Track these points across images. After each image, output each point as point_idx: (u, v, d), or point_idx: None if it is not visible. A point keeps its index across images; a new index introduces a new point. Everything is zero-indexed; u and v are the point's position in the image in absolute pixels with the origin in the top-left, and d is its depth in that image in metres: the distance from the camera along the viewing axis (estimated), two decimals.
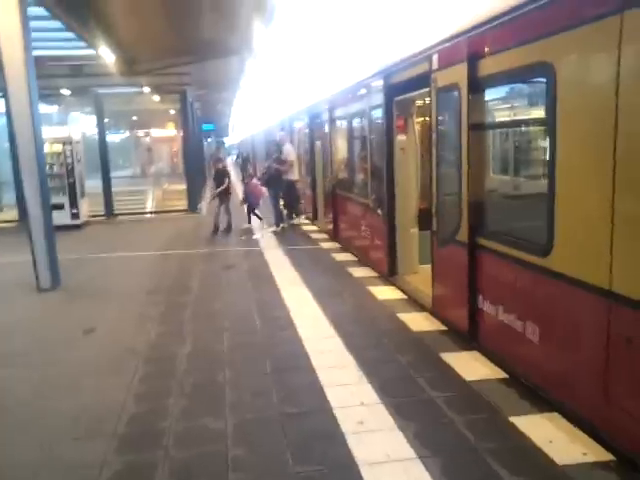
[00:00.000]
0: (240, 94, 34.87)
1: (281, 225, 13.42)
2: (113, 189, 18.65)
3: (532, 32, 4.25)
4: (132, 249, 11.54)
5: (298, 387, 4.57)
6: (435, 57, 6.00)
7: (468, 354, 5.17)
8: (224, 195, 13.11)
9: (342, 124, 11.06)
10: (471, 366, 4.87)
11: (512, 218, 5.13)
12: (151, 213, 16.86)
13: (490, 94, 5.23)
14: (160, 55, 17.37)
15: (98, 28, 13.00)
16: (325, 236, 12.22)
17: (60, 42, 14.91)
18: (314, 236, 12.31)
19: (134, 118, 39.10)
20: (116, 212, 16.77)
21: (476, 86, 5.18)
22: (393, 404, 4.18)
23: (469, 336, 5.46)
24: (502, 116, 5.38)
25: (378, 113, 8.44)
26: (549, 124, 4.10)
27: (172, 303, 7.28)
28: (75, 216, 14.82)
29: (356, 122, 10.10)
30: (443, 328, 5.90)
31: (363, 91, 9.14)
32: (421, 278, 7.69)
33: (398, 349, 5.29)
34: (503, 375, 4.66)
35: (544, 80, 4.20)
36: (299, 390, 4.51)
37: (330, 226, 12.20)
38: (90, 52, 15.14)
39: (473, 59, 5.16)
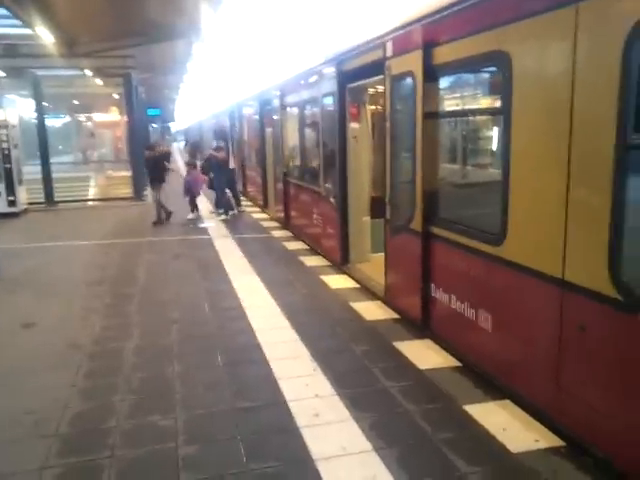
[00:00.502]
0: (188, 78, 34.06)
1: (230, 213, 13.19)
2: (54, 175, 17.86)
3: (488, 20, 4.23)
4: (74, 238, 11.07)
5: (251, 380, 4.45)
6: (389, 44, 5.93)
7: (421, 342, 5.18)
8: (157, 183, 12.60)
9: (294, 111, 10.89)
10: (425, 355, 4.88)
11: (466, 207, 5.15)
12: (94, 200, 16.22)
13: (445, 83, 5.21)
14: (102, 37, 16.67)
15: (34, 6, 12.31)
16: (276, 224, 12.08)
17: None
18: (265, 224, 12.15)
19: (75, 102, 37.63)
20: (57, 199, 16.03)
21: (431, 74, 5.14)
22: (348, 395, 4.13)
23: (422, 324, 5.47)
24: (457, 105, 5.37)
25: (330, 100, 8.34)
26: (504, 113, 4.10)
27: (117, 295, 7.00)
28: (12, 204, 14.08)
29: (308, 109, 9.96)
30: (396, 317, 5.90)
31: (315, 78, 9.01)
32: (373, 267, 7.68)
33: (352, 339, 5.25)
34: (456, 363, 4.69)
35: (500, 69, 4.20)
36: (252, 383, 4.39)
37: (281, 214, 12.06)
38: (27, 31, 14.37)
39: (428, 46, 5.12)
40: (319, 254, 8.95)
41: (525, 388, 4.02)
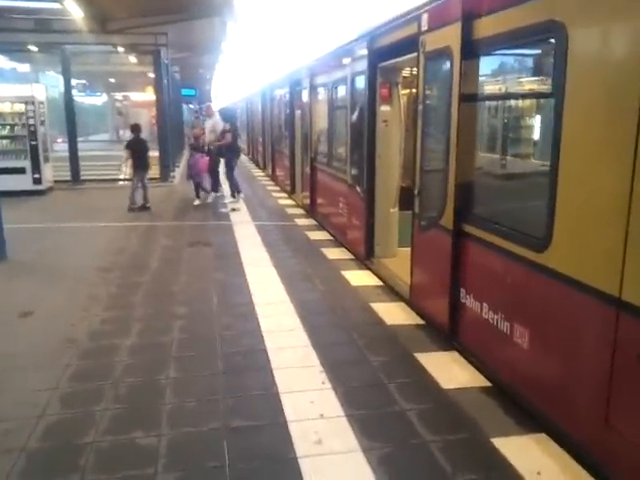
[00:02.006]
0: (223, 58, 33.68)
1: (237, 196, 12.72)
2: (85, 153, 17.69)
3: None
4: (95, 219, 10.75)
5: (251, 393, 3.95)
6: (425, 17, 5.28)
7: (446, 355, 4.59)
8: (142, 167, 11.91)
9: (322, 92, 10.29)
10: (449, 370, 4.30)
11: (505, 204, 4.50)
12: (120, 180, 15.94)
13: (486, 60, 4.55)
14: (134, 13, 16.36)
15: None
16: (301, 212, 11.55)
17: None
18: (290, 211, 11.63)
19: (112, 80, 37.72)
20: (83, 178, 15.83)
21: (470, 50, 4.48)
22: (358, 418, 3.59)
23: (448, 333, 4.88)
24: (500, 86, 4.71)
25: (361, 81, 7.72)
26: (556, 96, 3.44)
27: (125, 283, 6.59)
28: (37, 181, 13.89)
29: (337, 91, 9.34)
30: (420, 322, 5.31)
31: (344, 56, 8.37)
32: (399, 263, 7.08)
33: (369, 347, 4.69)
34: (485, 383, 4.09)
35: (552, 43, 3.54)
36: (251, 397, 3.89)
37: (307, 201, 11.52)
38: (57, 6, 14.13)
39: (468, 19, 4.45)
40: (343, 246, 8.39)
41: (565, 421, 3.41)
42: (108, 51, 18.89)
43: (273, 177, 17.46)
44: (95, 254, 8.08)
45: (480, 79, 4.59)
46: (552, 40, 3.56)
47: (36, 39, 16.35)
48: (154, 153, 16.60)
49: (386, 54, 6.85)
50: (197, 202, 12.34)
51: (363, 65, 7.43)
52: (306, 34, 12.30)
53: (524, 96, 4.45)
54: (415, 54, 5.67)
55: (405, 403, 3.78)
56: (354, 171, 8.10)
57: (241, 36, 24.90)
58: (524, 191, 4.41)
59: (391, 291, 6.25)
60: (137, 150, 11.83)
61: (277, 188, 15.42)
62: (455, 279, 4.80)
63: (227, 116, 13.41)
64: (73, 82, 30.12)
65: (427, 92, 5.38)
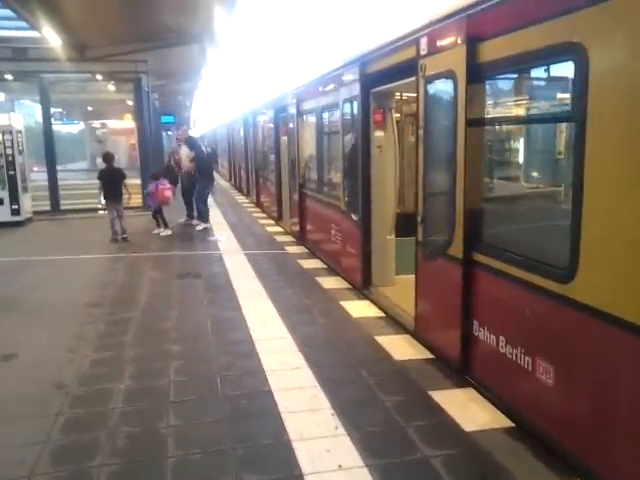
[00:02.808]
0: (202, 85, 33.60)
1: (203, 225, 12.57)
2: (64, 182, 17.30)
3: (553, 6, 3.45)
4: (77, 251, 10.38)
5: (261, 442, 3.65)
6: (424, 41, 5.15)
7: (462, 392, 4.35)
8: (116, 197, 11.45)
9: (311, 118, 10.15)
10: (468, 410, 4.06)
11: (521, 232, 4.32)
12: (100, 210, 15.55)
13: (494, 83, 4.43)
14: (113, 41, 16.17)
15: (40, 8, 11.74)
16: (291, 239, 11.31)
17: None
18: (279, 239, 11.38)
19: (89, 108, 37.34)
20: (63, 208, 15.42)
21: (477, 74, 4.35)
22: (379, 468, 3.32)
23: (461, 367, 4.65)
24: (510, 110, 4.58)
25: (353, 106, 7.58)
26: (577, 120, 3.29)
27: (114, 320, 6.25)
28: (15, 212, 13.49)
29: (327, 116, 9.21)
30: (429, 356, 5.08)
31: (335, 82, 8.25)
32: (399, 291, 6.88)
33: (380, 385, 4.44)
34: (508, 423, 3.86)
35: (571, 65, 3.40)
36: (262, 447, 3.59)
37: (296, 228, 11.30)
38: (34, 34, 13.87)
39: (473, 41, 4.33)
40: (338, 274, 8.16)
41: (602, 466, 3.19)
42: (87, 79, 18.61)
43: (258, 203, 17.23)
44: (80, 288, 7.72)
45: (487, 103, 4.47)
46: (570, 62, 3.43)
47: (13, 67, 16.05)
48: (135, 181, 16.34)
49: (380, 79, 6.73)
50: (157, 231, 12.03)
51: (355, 90, 7.30)
52: (292, 59, 12.22)
53: (540, 120, 4.31)
54: (412, 78, 5.55)
55: (427, 449, 3.52)
56: (348, 197, 7.92)
57: (222, 62, 24.87)
58: (543, 218, 4.25)
59: (394, 322, 6.02)
60: (110, 180, 11.42)
61: (263, 215, 15.19)
62: (466, 311, 4.59)
63: (190, 144, 13.22)
64: (51, 110, 29.75)
65: (428, 116, 5.23)
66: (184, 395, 4.35)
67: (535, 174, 4.66)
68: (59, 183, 15.83)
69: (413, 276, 5.64)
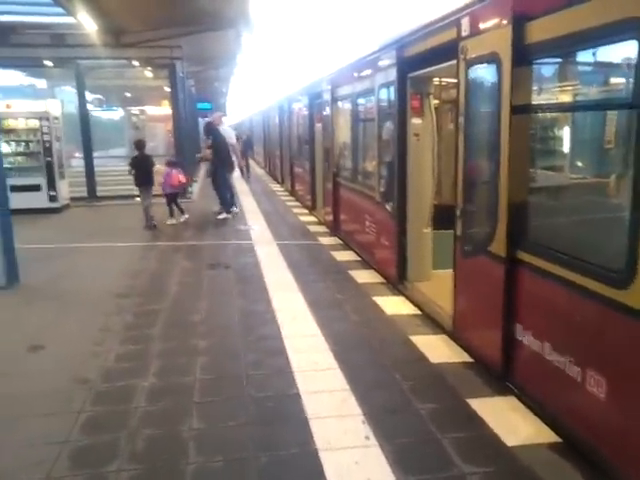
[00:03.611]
0: (238, 72, 33.49)
1: (224, 214, 12.26)
2: (102, 169, 17.44)
3: None
4: (112, 238, 10.39)
5: (286, 450, 3.44)
6: (466, 21, 4.79)
7: (503, 401, 4.05)
8: (145, 185, 11.50)
9: (346, 105, 9.84)
10: (509, 421, 3.76)
11: (571, 230, 3.97)
12: (138, 197, 15.58)
13: (542, 67, 4.07)
14: (148, 27, 16.04)
15: None
16: (324, 229, 11.07)
17: (36, 7, 13.62)
18: (312, 229, 11.15)
19: (127, 94, 37.67)
20: (100, 195, 15.52)
21: (523, 56, 3.99)
22: None
23: (502, 373, 4.34)
24: (559, 96, 4.21)
25: (389, 92, 7.25)
26: (637, 104, 2.94)
27: (142, 311, 6.15)
28: (53, 199, 13.62)
29: (362, 103, 8.89)
30: (468, 359, 4.78)
31: (371, 66, 7.92)
32: (436, 287, 6.57)
33: (414, 391, 4.17)
34: (554, 438, 3.55)
35: (633, 45, 3.03)
36: (287, 456, 3.38)
37: (330, 217, 11.04)
38: (71, 20, 13.87)
39: (519, 21, 3.96)
40: (372, 268, 7.89)
41: None
42: (122, 65, 18.65)
43: (292, 192, 17.03)
44: (111, 277, 7.67)
45: (534, 88, 4.11)
46: (632, 40, 3.06)
47: (51, 54, 16.13)
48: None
49: (418, 63, 6.38)
50: (171, 221, 11.83)
51: (392, 75, 6.97)
52: (327, 44, 11.90)
53: (592, 107, 3.92)
54: (452, 62, 5.21)
55: (465, 465, 3.26)
56: (383, 188, 7.63)
57: (257, 48, 24.67)
58: (595, 215, 3.89)
59: (430, 320, 5.73)
60: (142, 167, 11.43)
61: (297, 204, 14.98)
62: (509, 313, 4.27)
63: (206, 131, 13.00)
64: (89, 97, 30.09)
65: (470, 102, 4.88)
66: (209, 395, 4.19)
67: (587, 165, 4.27)
68: (98, 169, 15.94)
69: (451, 271, 5.35)
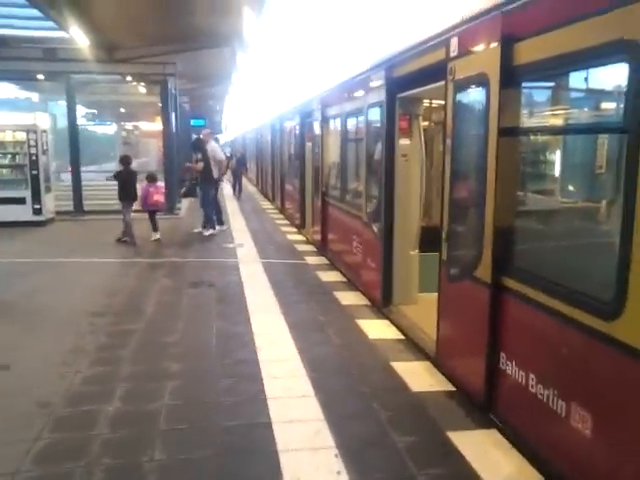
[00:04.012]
0: (233, 90, 33.59)
1: (210, 231, 12.15)
2: (91, 183, 17.30)
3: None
4: (94, 253, 10.19)
5: None
6: (455, 41, 4.69)
7: (485, 435, 3.86)
8: (128, 200, 11.28)
9: (335, 124, 9.75)
10: (491, 457, 3.56)
11: (559, 256, 3.82)
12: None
13: (531, 89, 3.96)
14: (142, 42, 16.05)
15: (67, 7, 11.64)
16: (312, 248, 10.90)
17: (29, 21, 13.56)
18: (300, 248, 10.98)
19: (122, 110, 37.66)
20: (86, 209, 15.31)
21: (512, 77, 3.88)
22: None
23: (484, 403, 4.16)
24: (548, 119, 4.09)
25: (378, 112, 7.15)
26: (629, 129, 2.81)
27: (116, 331, 5.92)
28: (37, 212, 13.40)
29: (351, 122, 8.79)
30: (450, 387, 4.58)
31: (360, 86, 7.83)
32: (421, 311, 6.40)
33: (393, 422, 3.97)
34: (536, 476, 3.36)
35: (624, 68, 2.92)
36: None
37: (317, 237, 10.88)
38: (63, 34, 13.84)
39: (509, 41, 3.86)
40: (357, 289, 7.71)
41: None
42: (114, 80, 18.61)
43: (282, 210, 16.90)
44: (88, 294, 7.44)
45: (524, 110, 3.99)
46: (622, 62, 2.94)
47: (43, 68, 16.08)
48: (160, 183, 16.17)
49: (406, 83, 6.29)
50: (153, 237, 11.61)
51: (380, 95, 6.88)
52: (318, 63, 11.87)
53: (582, 130, 3.80)
54: (441, 83, 5.11)
55: None
56: (370, 208, 7.49)
57: (251, 67, 24.72)
58: (586, 241, 3.74)
59: (413, 346, 5.54)
60: (126, 182, 11.29)
61: (286, 222, 14.82)
62: (493, 341, 4.10)
63: (194, 146, 12.87)
64: (83, 111, 29.96)
65: (457, 124, 4.76)
66: (175, 422, 3.96)
67: (577, 190, 4.13)
68: (89, 184, 15.80)
69: (436, 295, 5.18)
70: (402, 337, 5.82)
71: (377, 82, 7.03)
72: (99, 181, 20.96)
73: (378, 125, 7.13)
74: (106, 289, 7.68)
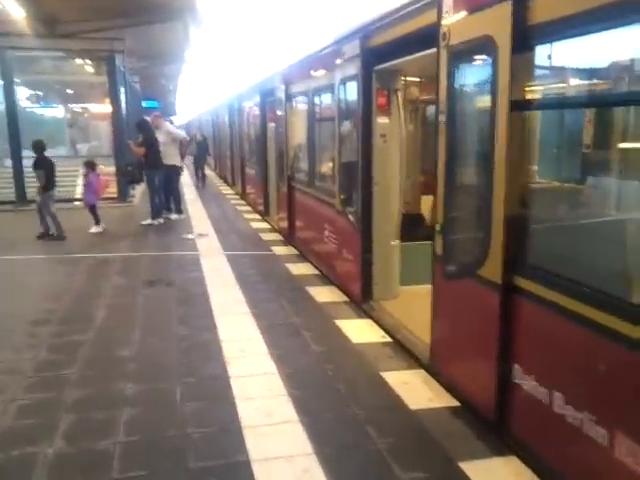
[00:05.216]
0: (186, 69, 32.24)
1: (157, 220, 11.42)
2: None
3: None
4: (37, 249, 9.24)
5: None
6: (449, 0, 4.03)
7: (503, 463, 3.28)
8: (50, 190, 10.15)
9: (301, 102, 8.99)
10: None
11: (585, 253, 3.24)
12: (72, 201, 14.30)
13: (551, 52, 3.32)
14: (86, 15, 14.82)
15: None
16: (278, 237, 10.18)
17: None
18: (265, 237, 10.23)
19: (69, 91, 35.73)
20: (31, 199, 14.11)
21: (526, 39, 3.25)
22: None
23: (496, 422, 3.59)
24: (573, 88, 3.49)
25: (351, 88, 6.46)
26: None
27: (60, 344, 5.11)
28: None
29: (320, 100, 8.06)
30: (453, 402, 3.99)
31: (331, 59, 7.09)
32: (405, 307, 5.84)
33: (393, 453, 3.34)
34: None
35: None
36: None
37: (284, 225, 10.16)
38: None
39: None
40: (332, 283, 7.06)
41: None
42: (56, 57, 17.24)
43: (244, 196, 16.05)
44: (28, 298, 6.56)
45: (539, 79, 3.38)
46: None
47: None
48: (110, 168, 15.10)
49: (385, 54, 5.60)
50: (93, 229, 10.71)
51: (355, 68, 6.17)
52: (281, 36, 11.05)
53: (617, 101, 3.19)
54: (428, 51, 4.46)
55: None
56: (344, 195, 6.81)
57: (205, 43, 23.58)
58: (620, 235, 3.16)
59: (402, 350, 4.94)
60: (51, 169, 10.16)
61: (248, 208, 14.01)
62: (504, 351, 3.52)
63: (139, 127, 11.95)
64: (26, 92, 28.16)
65: (453, 98, 4.11)
66: (131, 467, 3.23)
67: (606, 173, 3.56)
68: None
69: (420, 287, 4.64)
70: (388, 339, 5.21)
71: (350, 53, 6.31)
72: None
73: (352, 102, 6.44)
74: (49, 291, 6.79)
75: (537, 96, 3.36)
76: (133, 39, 16.86)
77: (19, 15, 12.18)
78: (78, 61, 19.05)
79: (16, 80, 22.75)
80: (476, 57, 3.81)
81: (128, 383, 4.28)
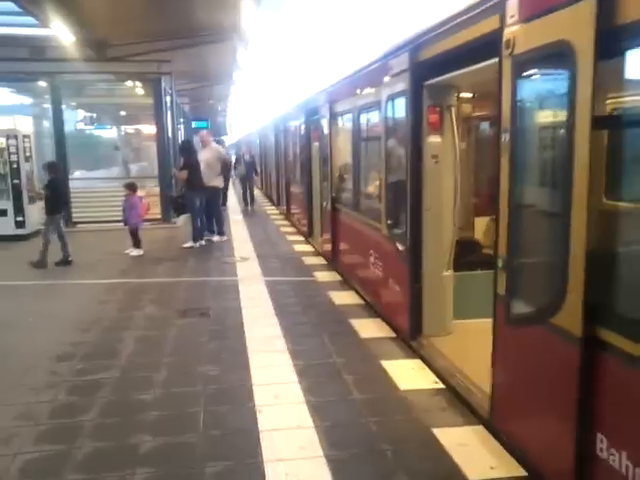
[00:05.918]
0: (235, 90, 32.46)
1: (199, 242, 11.12)
2: (85, 191, 16.14)
3: None
4: (75, 274, 9.03)
5: None
6: (514, 2, 3.48)
7: None
8: (55, 213, 9.83)
9: (347, 121, 8.53)
10: None
11: None
12: (117, 222, 14.20)
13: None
14: (135, 39, 14.83)
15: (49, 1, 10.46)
16: (321, 261, 9.68)
17: (8, 16, 12.40)
18: (308, 261, 9.75)
19: (122, 113, 36.61)
20: (76, 220, 14.17)
21: (613, 44, 2.67)
22: None
23: None
24: None
25: (399, 104, 5.95)
26: None
27: (80, 386, 4.71)
28: (20, 225, 12.26)
29: (366, 118, 7.57)
30: (519, 472, 3.35)
31: (377, 75, 6.59)
32: (459, 346, 5.21)
33: None
34: None
35: None
36: None
37: (328, 248, 9.66)
38: (49, 32, 12.65)
39: None
40: (378, 315, 6.49)
41: None
42: (105, 80, 17.45)
43: (287, 216, 15.70)
44: (58, 329, 6.25)
45: (631, 89, 2.78)
46: None
47: (28, 68, 14.95)
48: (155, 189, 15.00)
49: (437, 67, 5.08)
50: (133, 252, 10.49)
51: (403, 84, 5.67)
52: (326, 55, 10.69)
53: None
54: (489, 62, 3.92)
55: None
56: (391, 220, 6.27)
57: (253, 64, 23.61)
58: None
59: (457, 400, 4.31)
60: (55, 193, 9.89)
61: (292, 229, 13.60)
62: (585, 417, 2.88)
63: (181, 149, 11.71)
64: (81, 115, 28.93)
65: (520, 115, 3.53)
66: None
67: None
68: (85, 190, 14.72)
69: (477, 322, 4.07)
70: (441, 385, 4.59)
71: (398, 68, 5.81)
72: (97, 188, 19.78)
73: (401, 120, 5.92)
74: (80, 321, 6.47)
75: (626, 112, 2.76)
76: (183, 61, 16.87)
77: (69, 40, 12.24)
78: (129, 83, 19.27)
79: (72, 103, 23.40)
80: (548, 67, 3.24)
81: (146, 435, 3.82)
